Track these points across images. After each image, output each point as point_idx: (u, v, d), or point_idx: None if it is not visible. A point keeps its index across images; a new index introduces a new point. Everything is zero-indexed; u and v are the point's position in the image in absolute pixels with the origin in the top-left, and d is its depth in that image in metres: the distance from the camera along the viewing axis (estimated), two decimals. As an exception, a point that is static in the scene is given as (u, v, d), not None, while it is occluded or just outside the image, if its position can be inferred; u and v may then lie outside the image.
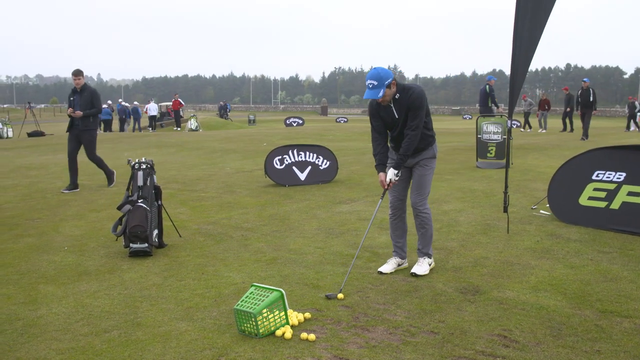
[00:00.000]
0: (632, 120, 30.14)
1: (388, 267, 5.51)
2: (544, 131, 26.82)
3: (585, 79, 20.97)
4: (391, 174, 5.25)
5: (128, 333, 4.14)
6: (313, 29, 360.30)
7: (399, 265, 5.58)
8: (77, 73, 10.36)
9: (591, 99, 20.15)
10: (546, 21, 6.47)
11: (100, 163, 10.94)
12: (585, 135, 20.01)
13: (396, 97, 5.14)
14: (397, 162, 5.22)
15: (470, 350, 3.78)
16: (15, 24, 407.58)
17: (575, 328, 4.12)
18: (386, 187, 5.30)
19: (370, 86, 5.05)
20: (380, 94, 5.01)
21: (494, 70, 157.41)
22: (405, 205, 5.57)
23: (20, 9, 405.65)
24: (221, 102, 58.02)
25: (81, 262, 5.96)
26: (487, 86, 17.12)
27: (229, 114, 53.12)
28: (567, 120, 26.07)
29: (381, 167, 5.34)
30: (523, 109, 30.67)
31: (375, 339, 3.98)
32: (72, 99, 10.44)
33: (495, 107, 17.23)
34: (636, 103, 30.80)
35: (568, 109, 25.63)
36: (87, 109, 10.32)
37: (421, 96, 5.13)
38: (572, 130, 25.89)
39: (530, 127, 29.32)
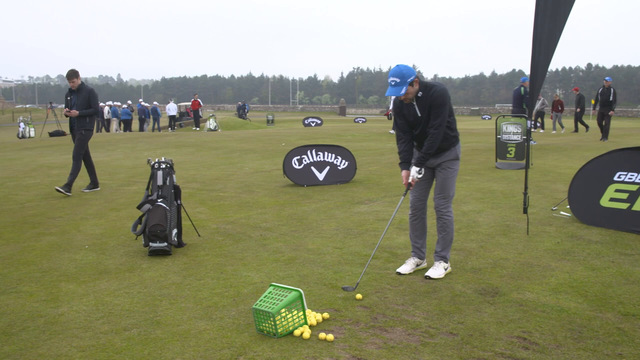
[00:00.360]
0: None
1: (407, 267, 5.49)
2: (554, 132, 26.47)
3: (607, 78, 20.53)
4: (413, 171, 5.21)
5: (147, 331, 4.17)
6: (332, 30, 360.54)
7: (417, 265, 5.56)
8: (71, 75, 10.11)
9: (611, 98, 19.71)
10: (566, 20, 6.41)
11: (77, 166, 10.17)
12: (605, 136, 19.72)
13: (419, 95, 5.10)
14: (419, 159, 5.19)
15: (490, 352, 3.76)
16: (37, 25, 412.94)
17: (597, 331, 4.08)
18: (412, 184, 5.27)
19: (393, 83, 5.02)
20: (403, 91, 4.98)
21: (514, 70, 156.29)
22: (426, 206, 5.54)
23: (42, 11, 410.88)
24: (240, 102, 58.27)
25: (101, 261, 6.02)
26: (522, 88, 17.12)
27: (247, 114, 53.24)
28: (579, 122, 25.77)
29: (405, 164, 5.31)
30: (536, 108, 30.23)
31: (393, 339, 3.97)
32: (69, 98, 10.25)
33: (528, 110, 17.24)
34: None
35: (578, 110, 25.25)
36: (84, 109, 10.13)
37: (443, 94, 5.07)
38: (586, 129, 25.65)
39: (542, 128, 28.67)
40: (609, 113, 19.68)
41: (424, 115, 5.13)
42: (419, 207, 5.49)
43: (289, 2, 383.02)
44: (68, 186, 9.97)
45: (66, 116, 10.24)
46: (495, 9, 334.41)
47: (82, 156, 10.25)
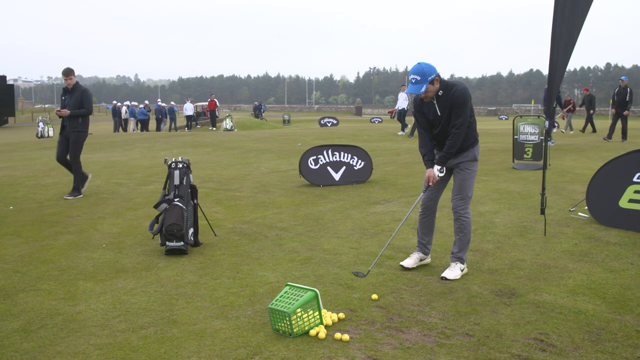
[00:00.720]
0: None
1: (410, 261, 5.54)
2: (563, 131, 26.18)
3: (623, 77, 20.26)
4: (435, 170, 5.22)
5: (164, 330, 4.19)
6: (348, 30, 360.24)
7: (421, 260, 5.62)
8: (67, 72, 9.69)
9: (627, 98, 19.39)
10: (584, 19, 6.35)
11: (77, 169, 9.89)
12: (624, 136, 19.47)
13: (439, 93, 5.09)
14: (441, 158, 5.19)
15: (506, 354, 3.73)
16: (56, 27, 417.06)
17: (615, 333, 4.03)
18: (431, 183, 5.27)
19: (413, 81, 5.01)
20: (423, 89, 4.97)
21: (531, 70, 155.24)
22: (437, 205, 5.57)
23: (60, 13, 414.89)
24: (256, 102, 58.54)
25: (119, 260, 6.07)
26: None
27: (263, 114, 53.38)
28: (590, 123, 25.47)
29: (430, 163, 5.31)
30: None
31: (409, 340, 3.96)
32: (63, 98, 9.96)
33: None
34: None
35: (592, 112, 24.83)
36: (76, 109, 9.76)
37: (464, 93, 5.06)
38: (593, 130, 25.32)
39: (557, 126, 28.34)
40: (624, 113, 19.39)
41: (443, 115, 5.12)
42: (430, 207, 5.51)
43: (306, 3, 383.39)
44: (76, 190, 9.84)
45: (58, 116, 9.90)
46: (512, 8, 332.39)
47: (79, 158, 9.92)
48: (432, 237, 5.64)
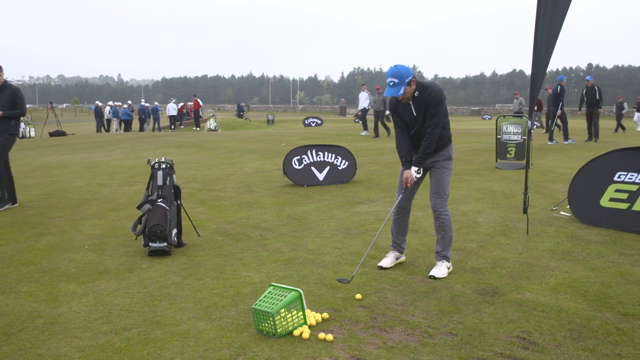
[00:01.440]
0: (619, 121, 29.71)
1: (388, 261, 5.62)
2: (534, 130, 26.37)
3: (588, 77, 20.00)
4: (413, 171, 5.26)
5: (147, 331, 4.17)
6: (332, 30, 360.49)
7: (397, 259, 5.69)
8: None
9: (597, 97, 19.20)
10: (564, 18, 6.41)
11: (9, 174, 8.89)
12: (596, 135, 19.43)
13: (415, 94, 5.16)
14: (418, 159, 5.25)
15: (489, 352, 3.75)
16: (36, 25, 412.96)
17: (596, 331, 4.07)
18: (409, 184, 5.31)
19: (391, 84, 5.06)
20: (401, 91, 5.03)
21: (514, 70, 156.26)
22: (411, 205, 5.68)
23: (42, 11, 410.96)
24: (240, 103, 58.80)
25: (101, 261, 6.02)
26: (559, 87, 17.30)
27: (243, 113, 53.31)
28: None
29: (408, 164, 5.35)
30: (512, 108, 28.90)
31: (393, 339, 3.97)
32: None
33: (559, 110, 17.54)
34: (625, 104, 30.67)
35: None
36: (9, 109, 8.66)
37: (439, 94, 5.16)
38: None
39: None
40: (599, 111, 19.32)
41: (419, 115, 5.20)
42: (405, 207, 5.60)
43: (291, 2, 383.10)
44: (2, 200, 8.84)
45: None
46: (496, 10, 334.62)
47: (9, 162, 8.92)
48: (405, 236, 5.74)
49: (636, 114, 31.50)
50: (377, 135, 22.65)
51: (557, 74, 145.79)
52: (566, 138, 18.81)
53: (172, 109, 38.04)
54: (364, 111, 23.41)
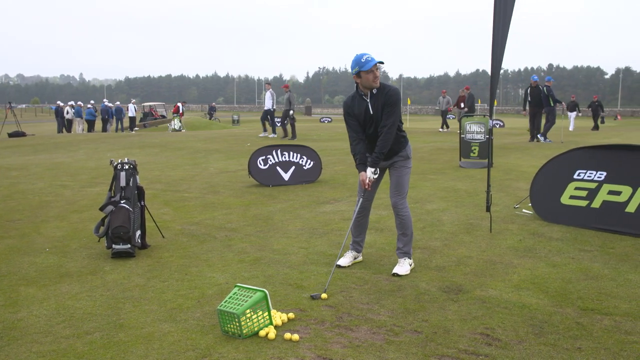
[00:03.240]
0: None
1: (346, 260, 5.67)
2: (445, 130, 26.29)
3: (533, 77, 19.51)
4: (369, 172, 5.31)
5: (110, 335, 4.11)
6: (297, 29, 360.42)
7: (355, 258, 5.75)
8: None
9: (542, 97, 18.47)
10: (510, 19, 6.61)
11: None
12: (545, 133, 18.94)
13: (373, 92, 5.19)
14: (374, 160, 5.28)
15: (453, 349, 3.80)
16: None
17: (557, 326, 4.16)
18: (367, 187, 5.34)
19: (369, 58, 5.09)
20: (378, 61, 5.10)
21: (477, 70, 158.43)
22: (371, 205, 5.72)
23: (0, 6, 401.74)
24: (212, 104, 58.43)
25: (63, 264, 5.91)
26: (546, 87, 17.87)
27: (214, 113, 52.83)
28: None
29: (362, 166, 5.38)
30: (438, 107, 28.58)
31: (358, 338, 3.99)
32: None
33: (558, 103, 18.03)
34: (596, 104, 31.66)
35: (466, 109, 23.92)
36: None
37: (397, 93, 5.24)
38: (444, 127, 26.42)
39: (447, 126, 27.21)
40: (557, 107, 18.94)
41: (376, 114, 5.23)
42: (366, 207, 5.66)
43: (254, 0, 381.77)
44: None
45: None
46: (460, 12, 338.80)
47: None
48: (365, 235, 5.80)
49: (570, 113, 30.93)
50: (286, 134, 21.62)
51: (518, 74, 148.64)
52: (544, 136, 18.91)
53: (130, 109, 37.65)
54: (269, 112, 22.03)
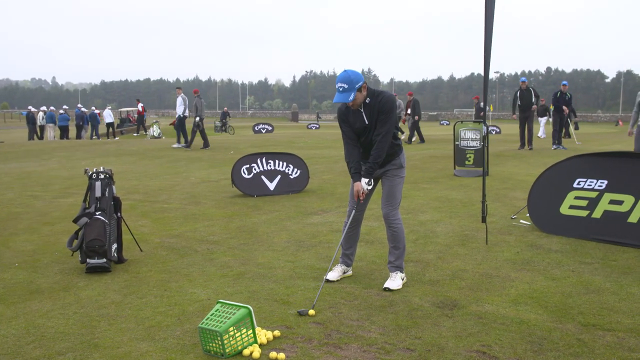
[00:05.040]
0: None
1: (335, 274, 5.66)
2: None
3: (522, 79, 19.09)
4: (363, 183, 5.30)
5: (84, 355, 4.07)
6: (284, 30, 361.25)
7: (344, 272, 5.74)
8: None
9: (533, 99, 18.22)
10: (493, 22, 6.70)
11: None
12: (530, 143, 18.58)
13: (367, 101, 5.20)
14: (368, 170, 5.29)
15: (448, 368, 3.80)
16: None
17: (557, 343, 4.17)
18: (361, 198, 5.35)
19: (341, 89, 5.09)
20: (351, 97, 5.07)
21: (472, 74, 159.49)
22: (363, 216, 5.72)
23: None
24: (225, 108, 51.01)
25: (33, 280, 5.87)
26: (560, 92, 18.22)
27: (226, 121, 46.53)
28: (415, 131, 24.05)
29: (357, 175, 5.39)
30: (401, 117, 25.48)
31: (348, 357, 3.98)
32: None
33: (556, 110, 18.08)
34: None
35: (416, 117, 23.01)
36: None
37: (392, 100, 5.24)
38: (418, 140, 24.01)
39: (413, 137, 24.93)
40: (532, 109, 18.38)
41: (371, 123, 5.26)
42: (358, 218, 5.66)
43: (237, 2, 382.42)
44: None
45: None
46: (454, 12, 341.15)
47: None
48: (355, 248, 5.80)
49: (540, 119, 29.29)
50: (410, 141, 21.14)
51: (515, 79, 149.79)
52: (555, 142, 18.82)
53: (106, 115, 37.55)
54: (181, 120, 21.01)
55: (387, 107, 5.17)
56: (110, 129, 37.78)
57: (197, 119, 20.39)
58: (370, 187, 5.37)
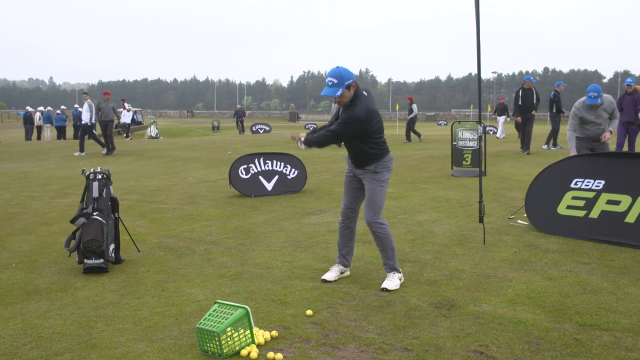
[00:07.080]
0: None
1: (331, 274, 5.67)
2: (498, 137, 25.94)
3: (527, 78, 18.09)
4: (302, 133, 5.53)
5: (81, 356, 4.07)
6: (282, 31, 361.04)
7: (341, 273, 5.74)
8: None
9: (534, 100, 17.37)
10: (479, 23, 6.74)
11: None
12: (528, 146, 17.43)
13: (348, 104, 5.24)
14: (307, 139, 5.43)
15: (446, 368, 3.81)
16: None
17: (554, 342, 4.18)
18: (289, 138, 5.55)
19: (330, 84, 5.14)
20: (339, 92, 5.11)
21: (470, 74, 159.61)
22: (357, 215, 5.72)
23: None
24: (238, 106, 49.52)
25: (30, 280, 5.86)
26: (554, 93, 17.79)
27: (243, 120, 42.42)
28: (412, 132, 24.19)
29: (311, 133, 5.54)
30: None
31: (346, 357, 3.98)
32: None
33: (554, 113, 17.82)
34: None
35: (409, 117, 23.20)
36: None
37: (356, 117, 5.16)
38: (417, 138, 24.12)
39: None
40: (532, 112, 17.36)
41: None
42: (349, 216, 5.68)
43: (235, 3, 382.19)
44: None
45: None
46: (452, 14, 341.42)
47: None
48: (352, 247, 5.80)
49: (498, 118, 27.90)
50: (112, 149, 19.75)
51: (512, 79, 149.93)
52: (549, 143, 18.75)
53: (125, 115, 37.36)
54: (84, 127, 19.81)
55: (346, 118, 5.19)
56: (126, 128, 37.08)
57: (117, 121, 18.99)
58: (302, 147, 5.47)
